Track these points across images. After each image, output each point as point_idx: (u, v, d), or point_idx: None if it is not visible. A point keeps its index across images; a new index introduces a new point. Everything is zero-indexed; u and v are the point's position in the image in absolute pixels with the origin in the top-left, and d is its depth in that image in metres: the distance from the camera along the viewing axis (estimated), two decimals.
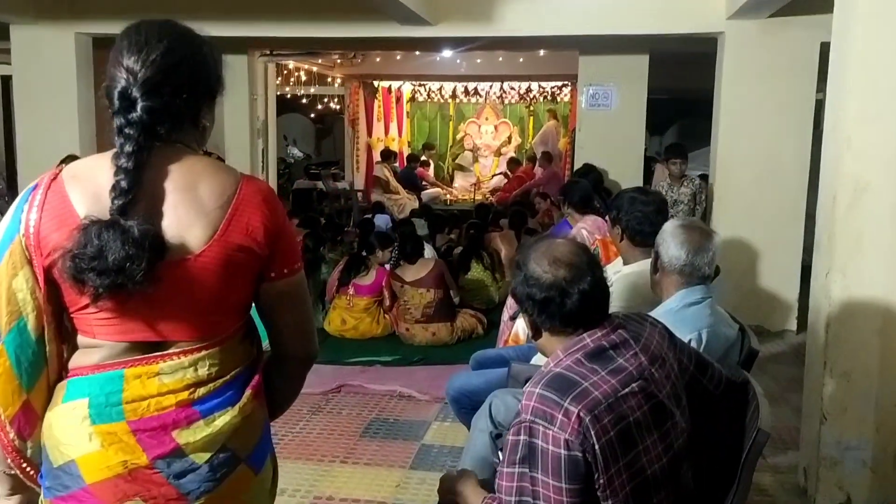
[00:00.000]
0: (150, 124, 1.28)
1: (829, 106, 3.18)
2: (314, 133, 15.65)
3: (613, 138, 7.52)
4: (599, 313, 1.75)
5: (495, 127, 13.69)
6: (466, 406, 3.12)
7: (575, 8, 5.87)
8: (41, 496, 1.34)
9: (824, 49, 5.38)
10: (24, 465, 1.33)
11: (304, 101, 12.39)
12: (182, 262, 1.26)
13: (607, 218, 3.19)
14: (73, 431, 1.27)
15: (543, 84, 12.39)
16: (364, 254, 6.08)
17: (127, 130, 1.27)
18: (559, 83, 12.09)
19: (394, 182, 11.29)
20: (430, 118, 14.16)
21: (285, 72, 10.42)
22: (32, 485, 1.35)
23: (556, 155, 11.07)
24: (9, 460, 1.33)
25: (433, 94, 13.50)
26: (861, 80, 2.98)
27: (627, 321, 1.81)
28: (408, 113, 13.89)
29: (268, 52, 8.45)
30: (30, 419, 1.31)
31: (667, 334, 1.86)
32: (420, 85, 13.27)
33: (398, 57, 10.66)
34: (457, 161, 13.78)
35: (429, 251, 6.26)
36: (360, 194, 11.40)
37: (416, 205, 10.96)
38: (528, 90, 12.77)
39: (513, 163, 12.39)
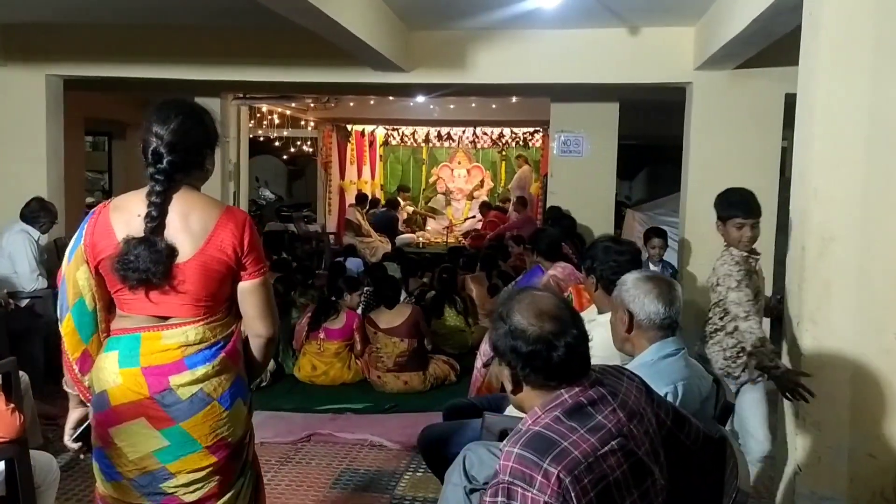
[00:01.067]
0: (171, 172, 2.01)
1: (796, 156, 3.23)
2: (286, 175, 15.63)
3: (585, 184, 7.59)
4: (583, 367, 1.74)
5: (468, 171, 13.83)
6: (439, 458, 3.06)
7: (546, 57, 5.95)
8: (90, 412, 2.13)
9: (789, 100, 5.51)
10: (84, 390, 2.12)
11: (276, 143, 12.39)
12: (177, 266, 1.98)
13: (584, 268, 3.19)
14: (107, 372, 2.02)
15: (516, 130, 12.59)
16: (333, 298, 6.02)
17: (157, 177, 2.00)
18: (531, 129, 12.30)
19: (366, 225, 11.28)
20: (403, 161, 14.27)
21: (258, 114, 10.43)
22: (88, 404, 2.14)
23: (529, 200, 11.16)
24: (75, 386, 2.14)
25: (406, 138, 13.64)
26: (826, 130, 3.03)
27: (604, 375, 1.79)
28: (381, 156, 13.99)
29: (241, 96, 8.46)
30: (86, 361, 2.09)
31: (644, 388, 1.84)
32: (393, 129, 13.41)
33: (371, 101, 10.75)
34: (429, 204, 13.85)
35: (401, 296, 6.22)
36: (331, 237, 11.37)
37: (388, 248, 10.94)
38: (501, 135, 12.97)
39: (485, 206, 12.49)
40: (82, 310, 2.08)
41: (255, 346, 2.14)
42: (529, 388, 1.75)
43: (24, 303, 5.35)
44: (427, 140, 13.55)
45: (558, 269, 4.62)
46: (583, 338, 1.73)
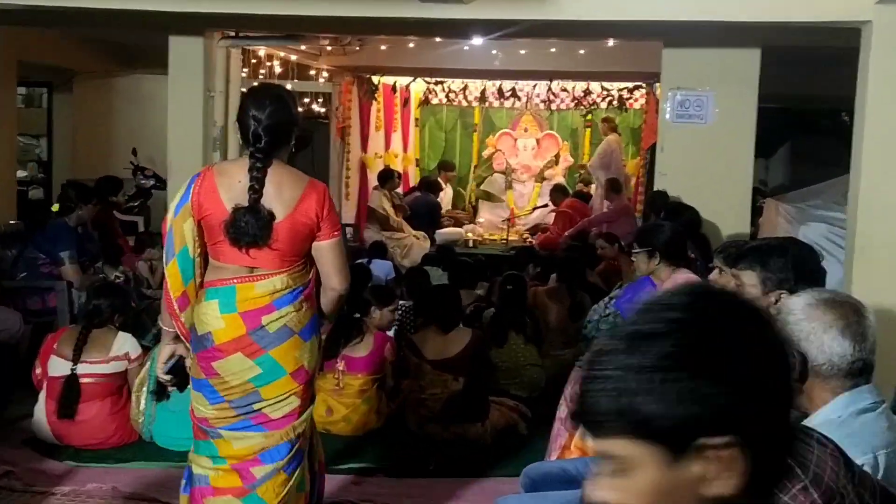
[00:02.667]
0: (268, 151, 3.36)
1: None
2: None
3: (709, 163, 7.51)
4: None
5: (538, 141, 13.81)
6: None
7: None
8: (190, 351, 3.55)
9: None
10: (181, 326, 3.50)
11: None
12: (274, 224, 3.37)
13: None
14: (210, 317, 3.41)
15: (608, 85, 12.48)
16: (357, 315, 6.00)
17: (257, 154, 3.35)
18: (631, 84, 12.18)
19: (395, 215, 11.30)
20: (446, 128, 14.30)
21: (254, 61, 10.50)
22: (185, 340, 3.56)
23: (624, 183, 11.10)
24: (174, 322, 3.51)
25: (453, 96, 13.63)
26: None
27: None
28: (417, 120, 14.03)
29: (231, 35, 8.50)
30: (185, 301, 3.46)
31: (841, 457, 1.78)
32: (436, 83, 13.40)
33: (411, 45, 10.73)
34: (482, 187, 13.84)
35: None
36: (349, 231, 11.39)
37: (426, 246, 10.96)
38: (587, 92, 12.87)
39: (559, 192, 12.45)
40: (185, 256, 3.46)
41: (328, 299, 3.62)
42: None
43: None
44: (482, 98, 13.53)
45: (679, 280, 4.61)
46: None
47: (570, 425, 4.26)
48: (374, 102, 12.57)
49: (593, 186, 12.41)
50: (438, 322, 5.70)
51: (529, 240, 12.06)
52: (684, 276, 4.70)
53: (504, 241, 12.02)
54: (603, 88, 12.70)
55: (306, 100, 12.59)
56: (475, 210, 13.71)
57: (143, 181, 12.43)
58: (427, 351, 5.63)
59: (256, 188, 3.33)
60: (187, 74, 7.94)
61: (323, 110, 12.86)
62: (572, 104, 13.37)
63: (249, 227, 3.32)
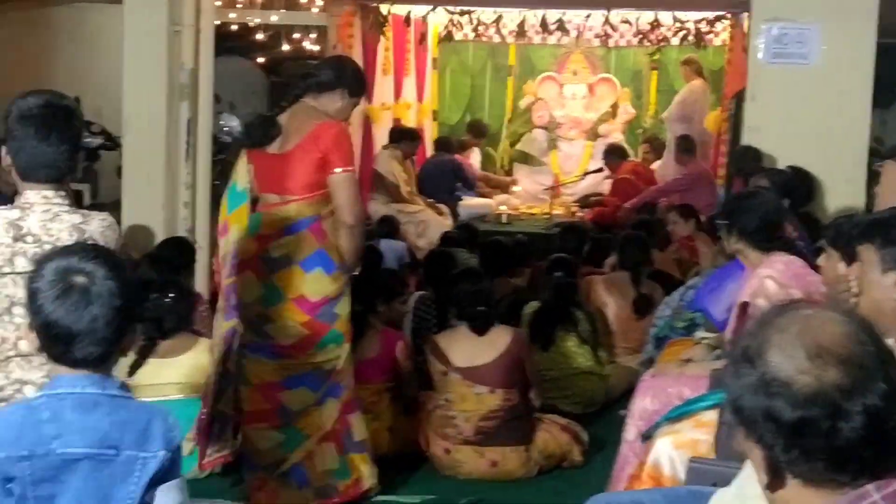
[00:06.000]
0: (305, 90, 5.19)
1: None
2: (267, 91, 15.75)
3: (813, 115, 7.49)
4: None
5: (590, 88, 13.76)
6: None
7: None
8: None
9: None
10: (220, 244, 5.25)
11: (256, 35, 12.47)
12: (287, 153, 5.05)
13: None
14: (243, 236, 4.96)
15: (683, 15, 12.42)
16: (360, 308, 6.00)
17: (295, 92, 5.24)
18: (710, 14, 12.11)
19: (406, 184, 11.27)
20: (473, 71, 14.30)
21: None
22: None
23: (702, 142, 11.04)
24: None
25: (483, 30, 13.57)
26: None
27: None
28: (435, 61, 14.01)
29: None
30: (225, 229, 5.03)
31: None
32: (462, 13, 13.34)
33: None
34: (518, 147, 13.80)
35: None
36: None
37: (447, 223, 10.95)
38: (655, 25, 12.80)
39: (616, 153, 12.39)
40: (233, 190, 4.97)
41: (342, 235, 4.95)
42: (799, 484, 1.77)
43: None
44: (521, 32, 13.47)
45: (777, 266, 4.66)
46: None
47: (641, 449, 4.27)
48: (381, 39, 12.56)
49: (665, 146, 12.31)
50: (470, 320, 5.71)
51: (579, 214, 12.03)
52: (783, 260, 4.70)
53: (546, 216, 11.97)
54: (675, 20, 12.65)
55: (296, 35, 12.61)
56: (509, 176, 13.61)
57: (87, 139, 12.21)
58: (455, 356, 5.64)
59: (283, 106, 5.09)
60: (147, 3, 7.94)
61: (316, 48, 12.87)
62: (635, 40, 13.33)
63: (258, 131, 5.06)
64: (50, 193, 3.41)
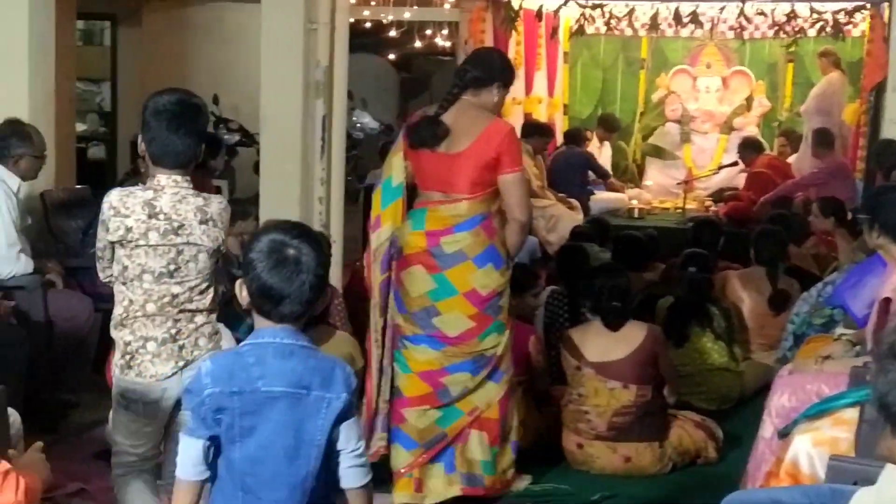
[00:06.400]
0: (463, 87, 5.23)
1: None
2: (398, 88, 15.87)
3: None
4: None
5: (724, 81, 13.58)
6: None
7: None
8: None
9: None
10: (372, 239, 5.48)
11: (388, 33, 12.57)
12: (458, 154, 5.09)
13: None
14: (405, 232, 5.21)
15: (820, 6, 12.18)
16: None
17: (453, 90, 5.25)
18: (850, 5, 11.89)
19: (537, 179, 11.25)
20: (605, 65, 14.20)
21: None
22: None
23: (840, 135, 10.84)
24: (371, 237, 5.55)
25: (615, 23, 13.47)
26: None
27: None
28: (567, 55, 13.95)
29: None
30: (377, 223, 5.34)
31: None
32: (594, 6, 13.25)
33: None
34: (651, 141, 13.71)
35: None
36: None
37: (578, 218, 10.91)
38: (791, 16, 12.57)
39: (750, 147, 12.20)
40: (388, 185, 5.25)
41: (511, 230, 5.11)
42: None
43: None
44: (654, 25, 13.34)
45: None
46: None
47: (778, 447, 4.24)
48: (513, 33, 12.57)
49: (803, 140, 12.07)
50: (604, 315, 5.70)
51: (713, 208, 11.89)
52: None
53: (679, 211, 11.86)
54: (813, 11, 12.34)
55: (428, 31, 12.66)
56: (640, 170, 13.54)
57: (226, 136, 12.20)
58: (588, 351, 5.64)
59: (445, 105, 5.11)
60: (284, 1, 8.06)
61: (448, 44, 12.92)
62: (770, 32, 13.07)
63: (425, 131, 5.07)
64: (179, 178, 3.94)
